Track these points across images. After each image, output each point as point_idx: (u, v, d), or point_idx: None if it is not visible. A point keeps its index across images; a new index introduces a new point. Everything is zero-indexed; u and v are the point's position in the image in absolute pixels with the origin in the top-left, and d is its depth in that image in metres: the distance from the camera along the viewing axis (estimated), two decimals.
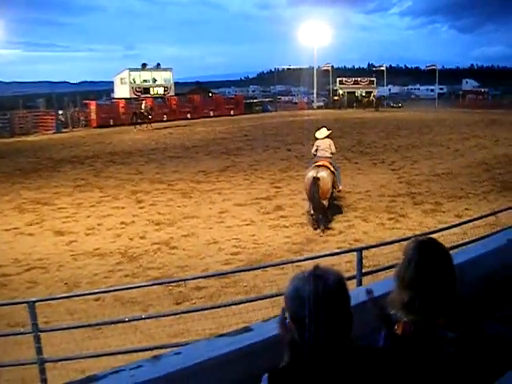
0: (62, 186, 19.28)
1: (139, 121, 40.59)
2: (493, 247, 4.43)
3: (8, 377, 6.46)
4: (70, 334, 7.00)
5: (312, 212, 12.94)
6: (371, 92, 64.97)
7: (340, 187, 13.61)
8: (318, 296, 1.94)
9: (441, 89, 78.59)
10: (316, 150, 13.55)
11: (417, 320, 2.29)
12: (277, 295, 7.06)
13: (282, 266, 9.14)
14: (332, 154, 13.55)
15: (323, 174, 12.63)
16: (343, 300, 2.02)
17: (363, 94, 65.25)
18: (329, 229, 12.58)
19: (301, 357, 1.98)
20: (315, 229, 12.63)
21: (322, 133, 13.63)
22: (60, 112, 43.47)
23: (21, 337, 6.87)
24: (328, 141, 13.54)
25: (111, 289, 8.78)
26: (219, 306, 7.32)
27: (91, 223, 13.97)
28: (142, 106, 41.91)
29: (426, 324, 2.28)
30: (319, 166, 12.88)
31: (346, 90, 66.28)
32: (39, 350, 6.09)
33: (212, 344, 2.87)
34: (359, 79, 68.89)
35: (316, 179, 12.50)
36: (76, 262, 11.13)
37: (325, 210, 12.91)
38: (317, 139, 13.66)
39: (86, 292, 8.68)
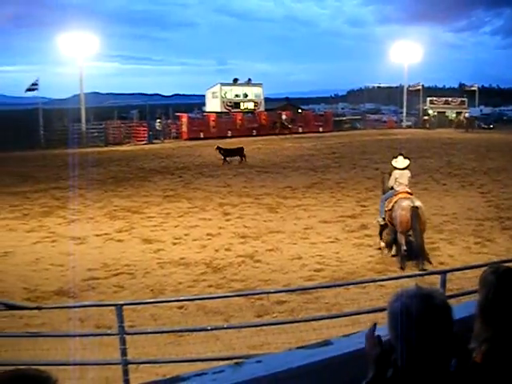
0: (151, 195, 19.86)
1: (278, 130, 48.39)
2: None
3: (93, 375, 6.69)
4: (153, 339, 7.20)
5: (405, 248, 11.22)
6: (462, 112, 63.42)
7: None
8: (430, 314, 1.96)
9: None
10: (395, 183, 12.13)
11: (498, 350, 2.27)
12: (358, 313, 7.01)
13: (364, 285, 9.07)
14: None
15: (420, 204, 11.31)
16: (450, 320, 2.03)
17: (454, 115, 63.82)
18: (425, 269, 10.56)
19: (394, 374, 2.00)
20: (402, 268, 10.96)
21: (400, 162, 12.32)
22: (157, 122, 44.92)
23: (106, 338, 7.09)
24: (408, 173, 12.28)
25: (196, 297, 8.99)
26: (300, 321, 7.34)
27: (178, 233, 14.28)
28: (283, 117, 49.21)
29: (507, 353, 2.25)
30: (407, 197, 11.57)
31: (437, 110, 65.00)
32: (124, 352, 6.27)
33: (292, 355, 2.92)
34: (450, 99, 67.36)
35: (415, 208, 11.07)
36: (162, 269, 11.41)
37: (424, 245, 11.38)
38: (395, 168, 12.31)
39: (172, 299, 8.92)
